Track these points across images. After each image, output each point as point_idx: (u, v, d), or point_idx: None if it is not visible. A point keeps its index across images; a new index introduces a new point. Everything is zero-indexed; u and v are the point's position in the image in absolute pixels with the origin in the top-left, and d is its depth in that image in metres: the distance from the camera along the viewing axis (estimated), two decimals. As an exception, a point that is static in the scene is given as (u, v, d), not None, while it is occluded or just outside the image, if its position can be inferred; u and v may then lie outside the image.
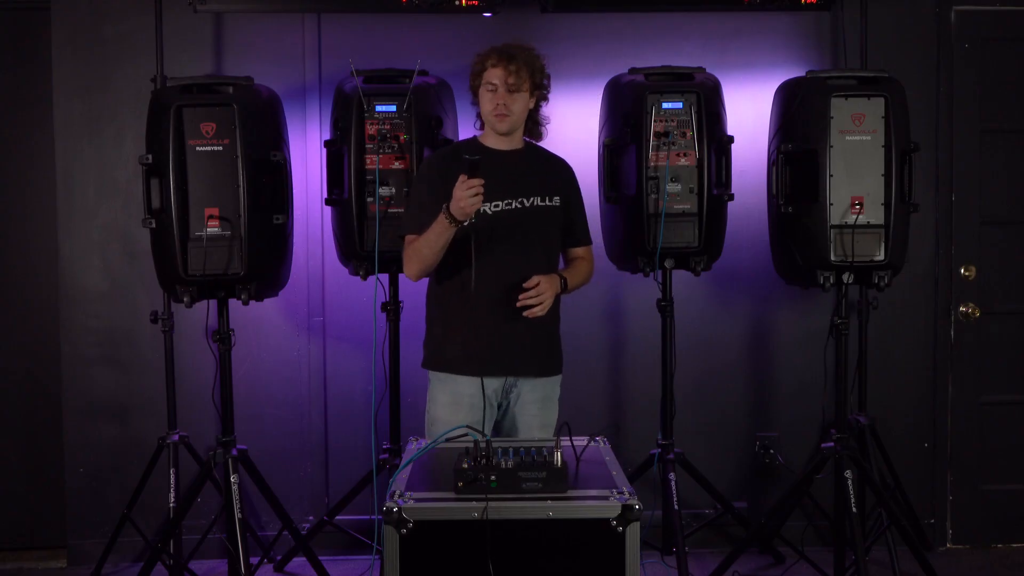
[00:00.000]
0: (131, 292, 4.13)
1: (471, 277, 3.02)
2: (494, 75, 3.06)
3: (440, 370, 3.14)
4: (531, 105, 3.13)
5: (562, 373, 3.25)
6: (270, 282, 3.57)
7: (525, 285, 2.98)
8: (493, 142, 3.14)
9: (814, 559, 3.82)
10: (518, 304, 2.98)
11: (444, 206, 2.90)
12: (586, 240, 3.31)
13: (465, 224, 2.91)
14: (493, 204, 3.03)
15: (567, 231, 3.23)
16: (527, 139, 3.23)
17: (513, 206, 3.08)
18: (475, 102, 3.17)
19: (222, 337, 3.58)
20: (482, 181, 2.84)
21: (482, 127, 3.19)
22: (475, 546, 2.18)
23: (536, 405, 3.15)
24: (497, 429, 3.18)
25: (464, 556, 2.20)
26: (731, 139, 3.70)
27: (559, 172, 3.25)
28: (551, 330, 3.19)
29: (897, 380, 4.31)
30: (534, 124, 3.20)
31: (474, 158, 2.87)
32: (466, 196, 2.84)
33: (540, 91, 3.15)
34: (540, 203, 3.12)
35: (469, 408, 3.07)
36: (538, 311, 2.99)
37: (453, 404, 3.09)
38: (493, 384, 3.09)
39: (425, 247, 2.99)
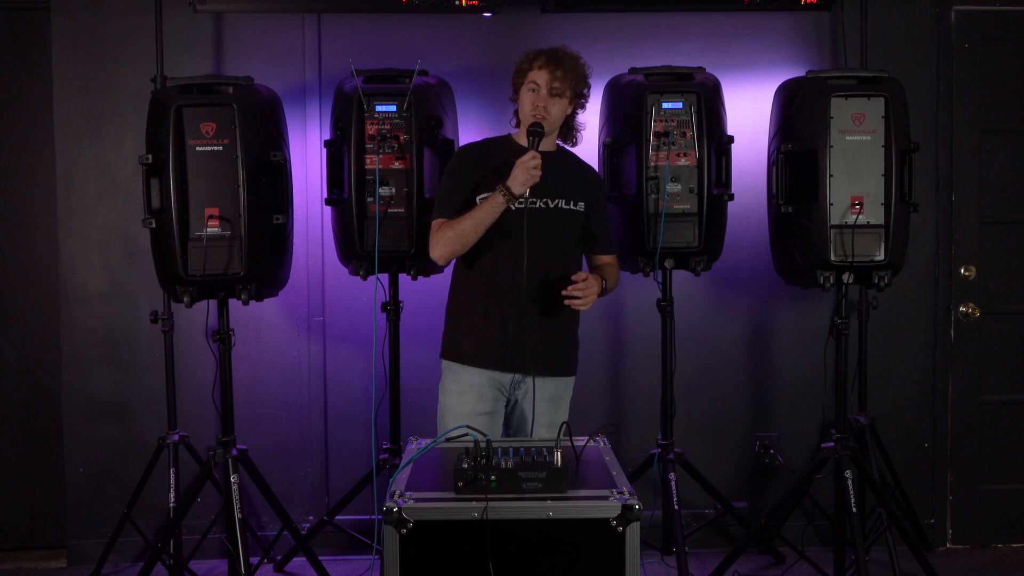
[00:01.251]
0: (131, 292, 4.13)
1: (491, 271, 3.08)
2: (539, 76, 3.10)
3: (452, 360, 3.16)
4: (568, 111, 3.18)
5: (575, 376, 3.26)
6: (270, 282, 3.57)
7: (574, 278, 3.01)
8: (526, 141, 3.12)
9: (814, 559, 3.81)
10: (563, 292, 3.00)
11: (500, 184, 2.97)
12: (612, 249, 3.33)
13: (523, 200, 2.98)
14: (517, 201, 3.03)
15: (592, 238, 3.24)
16: (560, 143, 3.27)
17: (537, 205, 3.09)
18: (514, 99, 3.21)
19: (222, 337, 3.58)
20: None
21: (517, 124, 3.23)
22: (475, 546, 2.18)
23: (545, 403, 3.15)
24: (507, 422, 3.20)
25: (464, 556, 2.20)
26: (731, 139, 3.70)
27: (586, 178, 3.28)
28: (568, 331, 3.21)
29: (897, 380, 4.31)
30: (569, 130, 3.25)
31: (538, 129, 3.00)
32: (530, 166, 2.92)
33: (580, 99, 3.20)
34: (564, 206, 3.14)
35: (478, 398, 3.09)
36: (580, 304, 3.01)
37: (461, 394, 3.11)
38: (503, 378, 3.11)
39: (470, 226, 3.02)
